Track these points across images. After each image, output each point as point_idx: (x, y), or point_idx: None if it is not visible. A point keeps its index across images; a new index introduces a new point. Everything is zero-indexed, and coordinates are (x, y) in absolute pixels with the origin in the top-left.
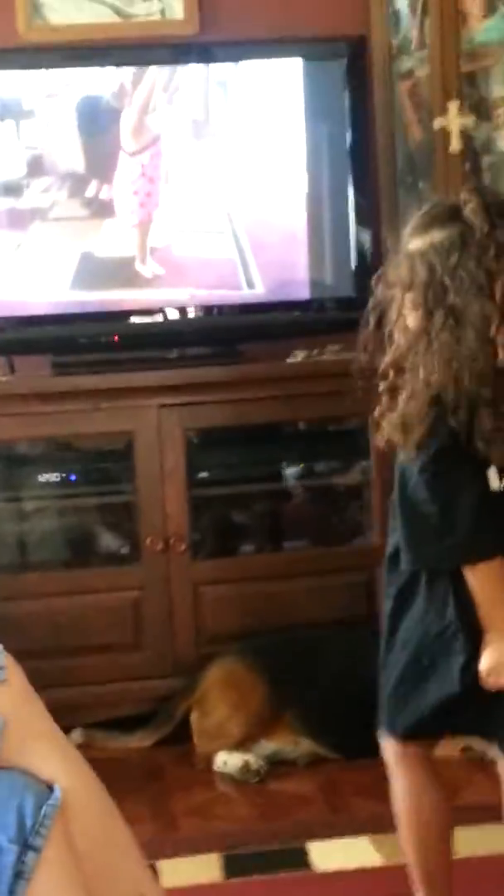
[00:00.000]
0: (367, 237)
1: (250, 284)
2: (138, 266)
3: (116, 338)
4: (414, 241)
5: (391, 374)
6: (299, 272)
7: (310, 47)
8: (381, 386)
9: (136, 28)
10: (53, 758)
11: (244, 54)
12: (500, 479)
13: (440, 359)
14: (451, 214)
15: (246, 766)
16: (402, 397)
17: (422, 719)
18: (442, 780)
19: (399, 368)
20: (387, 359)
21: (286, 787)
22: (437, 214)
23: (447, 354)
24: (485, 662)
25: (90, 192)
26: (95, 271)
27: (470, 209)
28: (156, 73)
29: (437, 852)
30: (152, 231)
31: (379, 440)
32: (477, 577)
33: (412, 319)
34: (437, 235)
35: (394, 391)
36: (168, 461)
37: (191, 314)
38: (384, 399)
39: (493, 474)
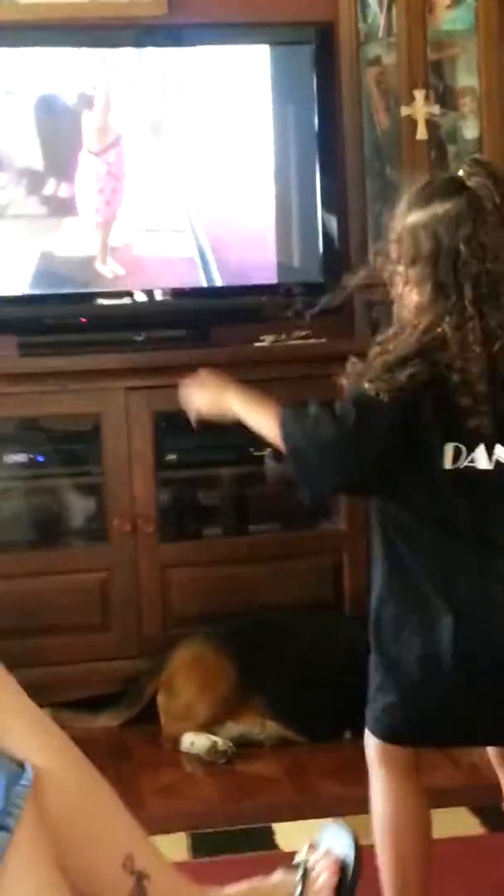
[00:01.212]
0: (334, 223)
1: (210, 283)
2: (98, 266)
3: (84, 320)
4: (414, 215)
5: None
6: (267, 256)
7: (278, 32)
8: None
9: (103, 8)
10: (28, 734)
11: (212, 38)
12: (457, 459)
13: (475, 335)
14: (455, 187)
15: (213, 748)
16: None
17: (401, 726)
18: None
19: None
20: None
21: (253, 769)
22: (437, 188)
23: (480, 329)
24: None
25: (48, 190)
26: (55, 271)
27: (476, 181)
28: (121, 61)
29: (415, 869)
30: (113, 230)
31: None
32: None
33: (416, 294)
34: (441, 207)
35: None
36: (136, 443)
37: (158, 297)
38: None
39: (449, 451)
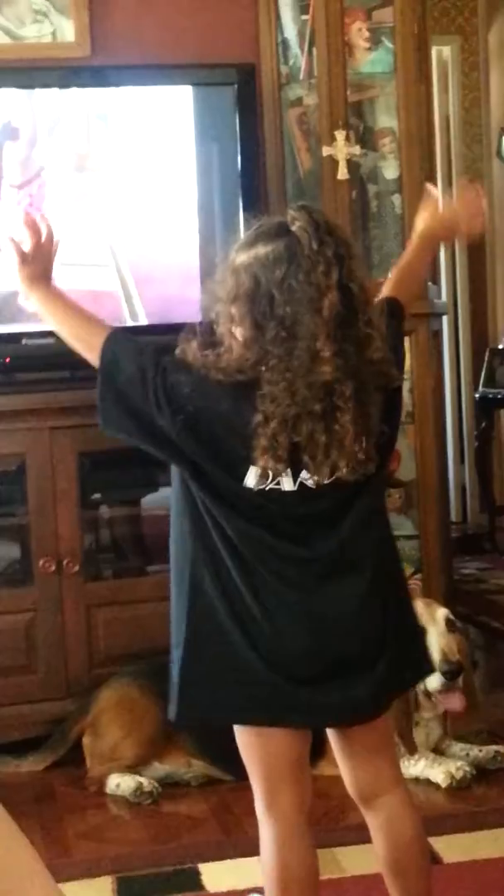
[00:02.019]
0: None
1: (134, 317)
2: (21, 301)
3: (7, 359)
4: (240, 256)
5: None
6: (192, 292)
7: (200, 73)
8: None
9: (27, 50)
10: None
11: (135, 79)
12: (265, 482)
13: (276, 371)
14: (279, 230)
15: (139, 788)
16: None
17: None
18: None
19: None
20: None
21: (179, 809)
22: (264, 230)
23: (282, 366)
24: None
25: None
26: None
27: (298, 226)
28: (45, 100)
29: None
30: None
31: None
32: None
33: (240, 331)
34: (263, 249)
35: None
36: (60, 483)
37: None
38: None
39: (253, 474)
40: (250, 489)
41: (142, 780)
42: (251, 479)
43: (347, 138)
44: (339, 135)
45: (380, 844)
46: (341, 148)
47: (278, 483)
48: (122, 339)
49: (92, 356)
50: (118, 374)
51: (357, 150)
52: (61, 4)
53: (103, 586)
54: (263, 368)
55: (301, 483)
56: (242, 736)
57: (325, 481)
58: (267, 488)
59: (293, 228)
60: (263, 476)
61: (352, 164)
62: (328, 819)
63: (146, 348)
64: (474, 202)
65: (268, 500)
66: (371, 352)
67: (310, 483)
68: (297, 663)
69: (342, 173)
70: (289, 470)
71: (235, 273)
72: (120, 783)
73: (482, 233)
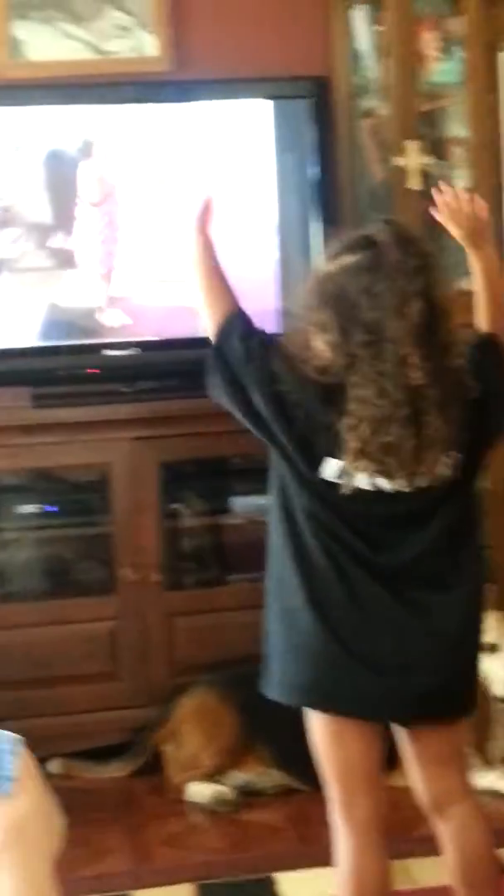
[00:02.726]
0: None
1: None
2: (101, 316)
3: (92, 371)
4: (327, 266)
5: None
6: (269, 304)
7: (277, 86)
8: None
9: (110, 65)
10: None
11: (215, 93)
12: (341, 476)
13: (365, 375)
14: (365, 242)
15: (218, 797)
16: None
17: None
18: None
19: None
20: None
21: (257, 818)
22: (349, 242)
23: (371, 369)
24: None
25: (55, 242)
26: (60, 322)
27: (383, 238)
28: (125, 116)
29: None
30: (113, 280)
31: None
32: None
33: (327, 338)
34: (349, 259)
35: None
36: (143, 493)
37: (163, 346)
38: None
39: (332, 465)
40: (329, 482)
41: (221, 788)
42: (330, 472)
43: (419, 148)
44: (411, 145)
45: (449, 855)
46: (412, 158)
47: (358, 481)
48: (240, 319)
49: (210, 320)
50: (228, 348)
51: (428, 159)
52: (144, 20)
53: (184, 595)
54: (350, 372)
55: (380, 485)
56: (318, 734)
57: (406, 486)
58: (348, 485)
59: (378, 240)
60: (344, 472)
61: (423, 174)
62: (400, 830)
63: (257, 332)
64: (452, 204)
65: (348, 498)
66: (452, 359)
67: (390, 486)
68: (375, 657)
69: (413, 183)
70: (374, 471)
71: (322, 282)
72: (200, 791)
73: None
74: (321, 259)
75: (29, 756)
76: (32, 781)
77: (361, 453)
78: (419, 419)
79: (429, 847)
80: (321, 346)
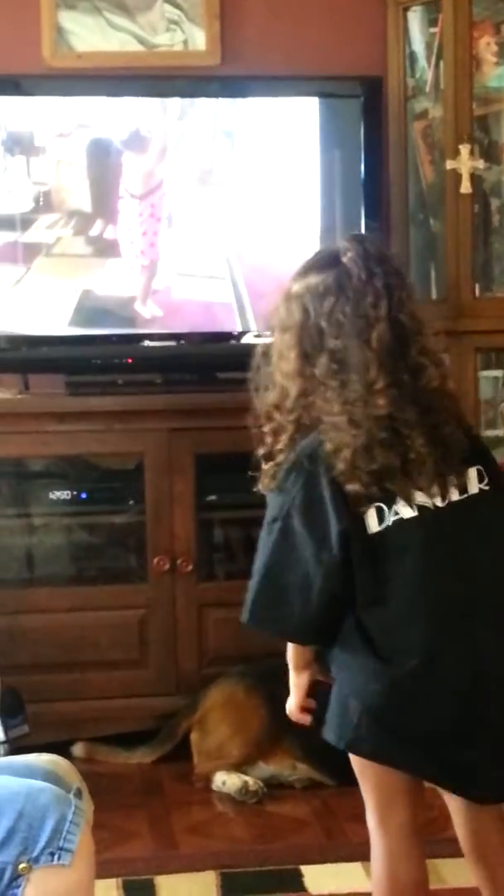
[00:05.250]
0: None
1: (246, 328)
2: (138, 307)
3: (130, 360)
4: (294, 285)
5: (275, 414)
6: None
7: (327, 85)
8: (266, 427)
9: (158, 58)
10: None
11: (263, 89)
12: (381, 519)
13: (334, 403)
14: (331, 260)
15: (244, 787)
16: (282, 438)
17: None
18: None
19: (281, 409)
20: (269, 400)
21: (283, 810)
22: (317, 260)
23: (339, 398)
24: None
25: (94, 231)
26: (94, 309)
27: (349, 257)
28: (173, 109)
29: None
30: (153, 272)
31: (261, 484)
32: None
33: (287, 362)
34: (314, 279)
35: (277, 433)
36: (177, 483)
37: (199, 340)
38: (268, 440)
39: (372, 516)
40: (375, 533)
41: (247, 779)
42: (372, 522)
43: (472, 152)
44: (464, 148)
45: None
46: (465, 161)
47: (386, 518)
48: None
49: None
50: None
51: (481, 163)
52: (194, 13)
53: (216, 587)
54: (317, 395)
55: (396, 514)
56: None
57: (414, 509)
58: (384, 525)
59: (344, 259)
60: (378, 516)
61: (475, 178)
62: (430, 830)
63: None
64: None
65: (383, 538)
66: (426, 381)
67: (407, 513)
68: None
69: (465, 187)
70: (381, 503)
71: (288, 302)
72: (226, 781)
73: None
74: (291, 278)
75: (85, 813)
76: (88, 850)
77: (354, 477)
78: (404, 442)
79: (458, 848)
80: (283, 370)
